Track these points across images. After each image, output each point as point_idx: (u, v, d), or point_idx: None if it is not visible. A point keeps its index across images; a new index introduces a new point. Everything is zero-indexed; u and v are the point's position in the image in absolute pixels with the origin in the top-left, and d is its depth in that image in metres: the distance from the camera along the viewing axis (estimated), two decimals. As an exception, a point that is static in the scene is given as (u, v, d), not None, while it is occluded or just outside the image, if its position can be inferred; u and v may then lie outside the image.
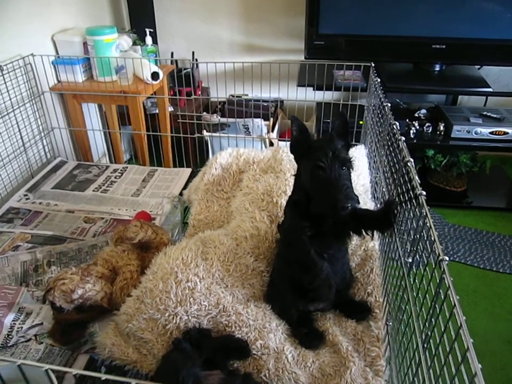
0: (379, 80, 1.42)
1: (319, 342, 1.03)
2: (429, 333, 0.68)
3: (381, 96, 1.29)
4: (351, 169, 0.96)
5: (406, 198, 0.95)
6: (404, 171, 0.96)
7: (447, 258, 0.63)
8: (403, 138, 0.99)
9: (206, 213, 1.44)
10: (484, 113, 2.29)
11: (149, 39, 2.29)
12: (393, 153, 1.12)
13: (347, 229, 1.00)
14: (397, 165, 1.07)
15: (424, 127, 2.30)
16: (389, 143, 1.15)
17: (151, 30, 2.31)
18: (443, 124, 2.26)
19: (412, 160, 0.91)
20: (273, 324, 1.03)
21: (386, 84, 2.21)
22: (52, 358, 1.09)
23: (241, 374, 0.95)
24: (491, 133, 2.19)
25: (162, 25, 2.66)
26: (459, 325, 0.54)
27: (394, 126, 1.06)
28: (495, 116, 2.26)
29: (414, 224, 0.86)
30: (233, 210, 1.36)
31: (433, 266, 0.70)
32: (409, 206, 0.91)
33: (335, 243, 1.01)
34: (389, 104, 1.19)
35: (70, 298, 1.10)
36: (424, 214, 0.75)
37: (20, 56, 1.81)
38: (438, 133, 2.28)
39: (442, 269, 0.64)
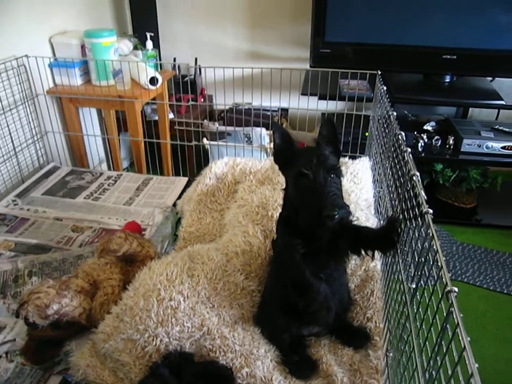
0: (385, 88, 1.33)
1: (311, 371, 0.94)
2: (434, 374, 0.59)
3: (387, 104, 1.21)
4: (340, 177, 0.87)
5: (411, 216, 0.86)
6: (409, 185, 0.87)
7: (456, 289, 0.54)
8: (409, 149, 0.90)
9: (198, 225, 1.36)
10: (496, 127, 2.20)
11: (149, 44, 2.23)
12: (398, 166, 1.04)
13: (343, 247, 0.91)
14: (401, 179, 0.98)
15: (433, 140, 2.20)
16: (394, 155, 1.07)
17: (152, 34, 2.25)
18: (453, 137, 2.17)
19: (418, 174, 0.82)
20: (262, 350, 0.94)
21: (394, 94, 2.13)
22: (21, 379, 1.01)
23: (223, 406, 0.86)
24: (503, 147, 2.09)
25: (165, 31, 2.60)
26: (470, 372, 0.45)
27: (400, 137, 0.97)
28: (507, 129, 2.17)
29: (419, 246, 0.77)
30: (227, 223, 1.28)
31: (440, 296, 0.61)
32: (414, 225, 0.82)
33: (331, 262, 0.92)
34: (395, 113, 1.10)
35: (45, 313, 1.02)
36: (431, 235, 0.66)
37: (14, 57, 1.75)
38: (447, 146, 2.18)
39: (450, 302, 0.55)
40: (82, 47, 1.97)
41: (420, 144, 2.18)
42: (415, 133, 2.22)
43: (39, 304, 1.02)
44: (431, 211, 0.69)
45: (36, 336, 1.05)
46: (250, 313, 1.05)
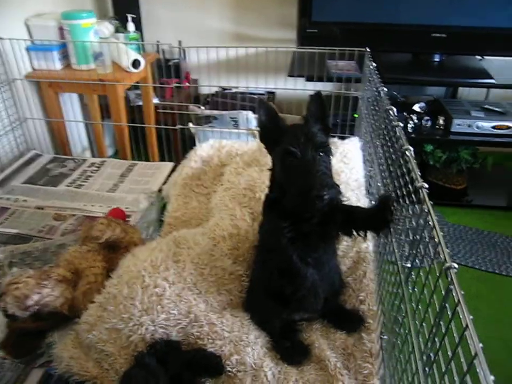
0: (374, 65, 1.29)
1: (303, 357, 0.91)
2: (432, 356, 0.56)
3: (377, 81, 1.17)
4: (330, 156, 0.83)
5: (404, 193, 0.82)
6: (402, 161, 0.84)
7: (455, 265, 0.51)
8: (401, 124, 0.86)
9: (184, 209, 1.31)
10: (486, 106, 2.17)
11: (130, 26, 2.15)
12: (389, 143, 1.00)
13: (334, 229, 0.87)
14: (393, 156, 0.94)
15: (423, 121, 2.17)
16: (385, 132, 1.03)
17: (134, 16, 2.17)
18: (443, 118, 2.14)
19: (411, 148, 0.78)
20: (252, 336, 0.91)
21: (383, 74, 2.07)
22: (1, 373, 0.96)
23: (212, 396, 0.82)
24: (493, 127, 2.07)
25: (148, 13, 2.52)
26: (473, 353, 0.42)
27: (391, 112, 0.93)
28: (497, 109, 2.14)
29: (413, 223, 0.73)
30: (213, 207, 1.23)
31: (437, 274, 0.57)
32: (407, 202, 0.78)
33: (320, 245, 0.88)
34: (385, 89, 1.06)
35: (25, 304, 0.97)
36: (426, 210, 0.62)
37: (-13, 39, 1.68)
38: (437, 127, 2.15)
39: (449, 279, 0.51)
40: (61, 29, 1.89)
41: (409, 125, 2.15)
42: (405, 114, 2.18)
43: (18, 295, 0.97)
44: (426, 185, 0.66)
45: (15, 328, 1.00)
46: (239, 299, 1.01)
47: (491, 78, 2.06)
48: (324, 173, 0.79)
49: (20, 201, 1.58)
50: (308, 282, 0.83)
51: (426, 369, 0.60)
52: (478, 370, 0.43)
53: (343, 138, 1.48)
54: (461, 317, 0.49)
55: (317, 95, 0.89)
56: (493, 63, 2.31)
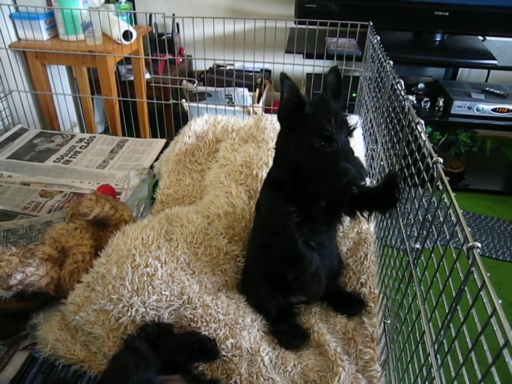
0: (378, 38, 1.23)
1: (302, 341, 0.87)
2: (446, 344, 0.52)
3: (382, 55, 1.11)
4: (352, 137, 0.78)
5: (413, 171, 0.78)
6: (411, 138, 0.78)
7: (478, 244, 0.46)
8: (410, 97, 0.81)
9: (177, 186, 1.26)
10: (487, 88, 2.12)
11: (122, -5, 2.06)
12: (395, 120, 0.94)
13: (340, 212, 0.82)
14: (400, 133, 0.89)
15: (422, 102, 2.12)
16: (390, 108, 0.97)
17: (125, -15, 2.08)
18: (442, 99, 2.09)
19: (423, 122, 0.72)
20: (248, 319, 0.86)
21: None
22: (-17, 355, 0.91)
23: (207, 380, 0.78)
24: (494, 110, 2.02)
25: (140, -16, 2.42)
26: (501, 344, 0.37)
27: (399, 85, 0.88)
28: (498, 91, 2.09)
29: (424, 202, 0.68)
30: (207, 184, 1.18)
31: (454, 256, 0.53)
32: (418, 181, 0.73)
33: (325, 229, 0.83)
34: (391, 62, 1.00)
35: (7, 284, 0.93)
36: (444, 188, 0.58)
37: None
38: (436, 108, 2.10)
39: (471, 260, 0.47)
40: (48, -3, 1.80)
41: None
42: (404, 94, 2.13)
43: (0, 274, 0.92)
44: (441, 160, 0.61)
45: (-2, 309, 0.95)
46: (235, 280, 0.96)
47: (494, 59, 2.01)
48: (359, 161, 0.74)
49: (5, 177, 1.51)
50: (312, 268, 0.79)
51: (438, 356, 0.56)
52: (507, 360, 0.38)
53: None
54: (484, 300, 0.44)
55: (335, 69, 0.83)
56: (494, 44, 2.26)
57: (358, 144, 1.26)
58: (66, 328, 0.91)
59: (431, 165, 0.63)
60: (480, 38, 2.23)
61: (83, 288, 0.92)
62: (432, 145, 0.68)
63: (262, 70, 2.43)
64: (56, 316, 0.94)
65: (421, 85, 2.22)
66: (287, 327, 0.88)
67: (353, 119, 1.36)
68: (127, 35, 1.81)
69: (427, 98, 2.13)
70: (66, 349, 0.88)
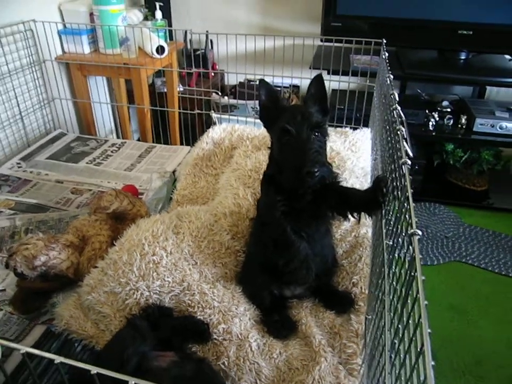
0: (387, 55, 1.29)
1: (290, 331, 0.93)
2: (400, 328, 0.57)
3: (386, 69, 1.17)
4: (325, 136, 0.85)
5: (397, 175, 0.83)
6: (394, 144, 0.84)
7: (419, 232, 0.52)
8: (399, 107, 0.87)
9: (192, 188, 1.35)
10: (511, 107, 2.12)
11: (158, 13, 2.21)
12: (388, 127, 1.00)
13: (326, 207, 0.89)
14: (389, 138, 0.95)
15: (445, 120, 2.14)
16: (385, 118, 1.03)
17: (161, 4, 2.23)
18: (465, 117, 2.10)
19: (403, 128, 0.78)
20: (241, 308, 0.94)
21: (406, 70, 2.07)
22: (8, 326, 1.02)
23: (195, 359, 0.85)
24: (518, 128, 2.02)
25: (178, 4, 2.58)
26: (416, 319, 0.43)
27: (392, 97, 0.94)
28: (523, 110, 2.09)
29: (396, 203, 0.74)
30: (220, 187, 1.27)
31: (405, 245, 0.58)
32: (397, 183, 0.79)
33: (313, 222, 0.90)
34: (391, 76, 1.06)
35: (32, 264, 1.03)
36: (404, 184, 0.63)
37: (22, 21, 1.76)
38: (459, 126, 2.12)
39: (412, 247, 0.52)
40: (91, 15, 1.97)
41: (430, 123, 2.12)
42: (426, 111, 2.16)
43: (27, 254, 1.03)
44: (409, 162, 0.67)
45: (24, 287, 1.07)
46: (234, 273, 1.04)
47: (519, 77, 2.02)
48: (317, 151, 0.82)
49: (42, 175, 1.65)
50: (301, 254, 0.86)
51: (395, 341, 0.61)
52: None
53: (355, 129, 1.49)
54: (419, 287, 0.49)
55: (318, 77, 0.91)
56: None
57: (364, 154, 1.32)
58: (80, 307, 1.01)
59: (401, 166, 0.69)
60: (508, 57, 2.23)
61: (97, 272, 1.01)
62: (409, 147, 0.74)
63: (290, 85, 2.52)
64: (73, 296, 1.04)
65: (445, 103, 2.24)
66: (277, 318, 0.95)
67: (363, 132, 1.42)
68: (159, 49, 1.94)
69: (450, 116, 2.15)
70: (78, 325, 0.97)
